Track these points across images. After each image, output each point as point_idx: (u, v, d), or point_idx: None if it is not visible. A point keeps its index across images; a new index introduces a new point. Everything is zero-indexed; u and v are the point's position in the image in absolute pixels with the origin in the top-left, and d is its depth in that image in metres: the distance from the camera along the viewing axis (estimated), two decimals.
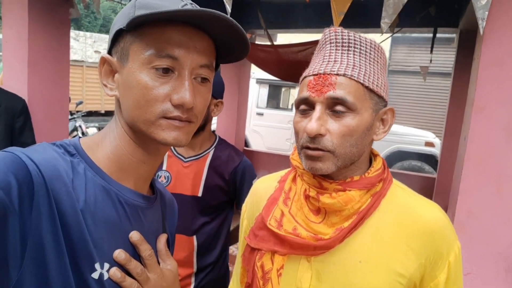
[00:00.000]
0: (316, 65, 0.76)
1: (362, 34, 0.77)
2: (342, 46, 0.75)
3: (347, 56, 0.74)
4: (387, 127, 0.79)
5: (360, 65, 0.74)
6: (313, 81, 0.73)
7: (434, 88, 9.57)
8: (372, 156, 0.83)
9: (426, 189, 3.71)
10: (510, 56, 1.41)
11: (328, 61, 0.74)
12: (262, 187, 0.92)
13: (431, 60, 3.50)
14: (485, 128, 1.47)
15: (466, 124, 1.57)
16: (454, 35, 3.60)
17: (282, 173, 0.92)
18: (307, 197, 0.79)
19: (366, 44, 0.76)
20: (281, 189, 0.85)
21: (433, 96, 9.72)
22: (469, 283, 1.52)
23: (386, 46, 9.59)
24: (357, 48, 0.75)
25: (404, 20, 2.87)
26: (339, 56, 0.75)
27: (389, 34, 3.25)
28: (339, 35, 0.76)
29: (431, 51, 3.26)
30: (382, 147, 6.61)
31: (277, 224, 0.79)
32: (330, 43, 0.76)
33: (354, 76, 0.72)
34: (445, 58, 8.89)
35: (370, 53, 0.76)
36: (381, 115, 0.77)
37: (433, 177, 3.87)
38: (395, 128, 6.95)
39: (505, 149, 1.45)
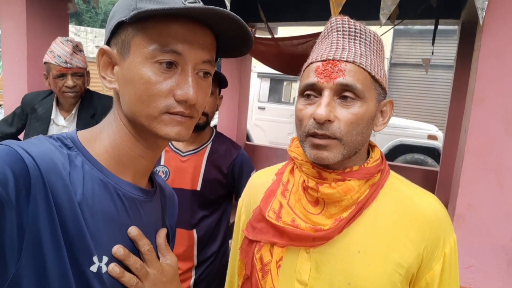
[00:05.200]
0: (323, 51, 0.74)
1: None
2: (349, 34, 0.75)
3: (354, 45, 0.74)
4: (386, 119, 0.79)
5: (366, 54, 0.74)
6: (321, 66, 0.72)
7: (436, 80, 9.52)
8: (370, 147, 0.84)
9: (429, 182, 3.70)
10: (510, 46, 1.40)
11: (336, 48, 0.74)
12: (259, 181, 0.92)
13: (432, 52, 3.46)
14: (485, 120, 1.46)
15: (466, 116, 1.57)
16: (456, 27, 3.57)
17: (279, 165, 0.92)
18: (305, 188, 0.78)
19: (370, 35, 0.76)
20: (279, 181, 0.84)
21: (435, 88, 9.68)
22: (471, 276, 1.52)
23: (388, 38, 9.54)
24: (362, 38, 0.75)
25: (405, 11, 2.85)
26: (346, 44, 0.74)
27: (390, 26, 3.22)
28: (345, 24, 0.75)
29: (433, 43, 3.23)
30: (385, 140, 6.58)
31: (276, 216, 0.78)
32: (337, 31, 0.75)
33: (363, 65, 0.72)
34: (448, 50, 8.84)
35: (373, 45, 0.76)
36: (382, 107, 0.78)
37: (436, 170, 3.85)
38: (398, 121, 6.92)
39: (505, 141, 1.44)
